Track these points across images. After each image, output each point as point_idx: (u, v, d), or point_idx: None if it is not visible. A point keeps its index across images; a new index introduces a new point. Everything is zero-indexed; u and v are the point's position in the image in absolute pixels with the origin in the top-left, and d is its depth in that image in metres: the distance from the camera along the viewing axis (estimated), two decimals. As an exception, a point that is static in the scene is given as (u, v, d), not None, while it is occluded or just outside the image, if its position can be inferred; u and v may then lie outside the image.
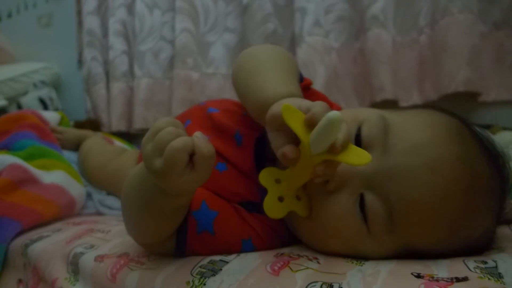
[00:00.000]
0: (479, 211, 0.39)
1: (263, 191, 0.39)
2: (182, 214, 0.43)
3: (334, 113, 0.31)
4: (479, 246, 0.40)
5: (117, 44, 1.50)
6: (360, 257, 0.39)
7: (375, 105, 1.07)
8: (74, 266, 0.51)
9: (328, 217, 0.39)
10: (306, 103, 0.36)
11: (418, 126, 0.40)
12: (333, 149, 0.33)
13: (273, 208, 0.39)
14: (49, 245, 0.59)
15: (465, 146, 0.39)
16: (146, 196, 0.39)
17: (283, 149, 0.35)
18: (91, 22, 1.58)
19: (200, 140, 0.34)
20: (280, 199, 0.39)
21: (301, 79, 0.53)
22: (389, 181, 0.37)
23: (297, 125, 0.34)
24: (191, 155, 0.34)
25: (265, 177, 0.39)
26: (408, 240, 0.38)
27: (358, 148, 0.35)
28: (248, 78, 0.45)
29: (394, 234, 0.38)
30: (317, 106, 0.35)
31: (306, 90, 0.54)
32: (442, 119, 0.41)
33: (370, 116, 0.41)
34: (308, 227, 0.42)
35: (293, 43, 1.21)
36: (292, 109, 0.35)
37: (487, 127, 0.90)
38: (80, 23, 1.67)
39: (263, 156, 0.49)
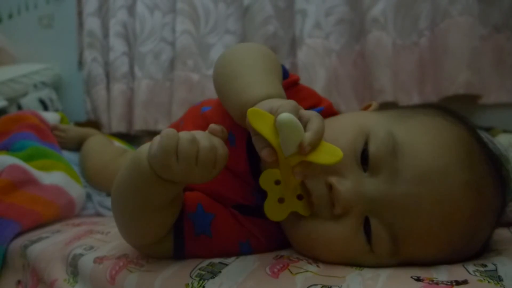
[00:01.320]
0: (482, 229, 0.39)
1: (258, 195, 0.39)
2: (173, 209, 0.43)
3: (282, 116, 0.31)
4: (475, 255, 0.41)
5: (117, 46, 1.51)
6: (359, 266, 0.39)
7: (375, 107, 1.07)
8: (73, 268, 0.51)
9: (332, 239, 0.39)
10: (278, 103, 0.35)
11: (428, 150, 0.37)
12: (301, 150, 0.32)
13: (273, 210, 0.39)
14: (48, 246, 0.59)
15: (475, 170, 0.38)
16: (137, 187, 0.39)
17: (261, 153, 0.35)
18: (92, 23, 1.58)
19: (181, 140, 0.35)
20: (281, 200, 0.39)
21: (287, 75, 0.51)
22: (395, 209, 0.37)
23: (266, 129, 0.33)
24: None
25: (265, 179, 0.39)
26: (410, 259, 0.38)
27: (331, 146, 0.34)
28: (226, 84, 0.44)
29: (397, 256, 0.38)
30: (284, 106, 0.33)
31: (293, 86, 0.52)
32: (451, 136, 0.39)
33: (377, 131, 0.39)
34: (309, 243, 0.41)
35: (293, 45, 1.21)
36: (259, 113, 0.34)
37: (487, 129, 0.90)
38: (80, 24, 1.68)
39: (258, 156, 0.49)
